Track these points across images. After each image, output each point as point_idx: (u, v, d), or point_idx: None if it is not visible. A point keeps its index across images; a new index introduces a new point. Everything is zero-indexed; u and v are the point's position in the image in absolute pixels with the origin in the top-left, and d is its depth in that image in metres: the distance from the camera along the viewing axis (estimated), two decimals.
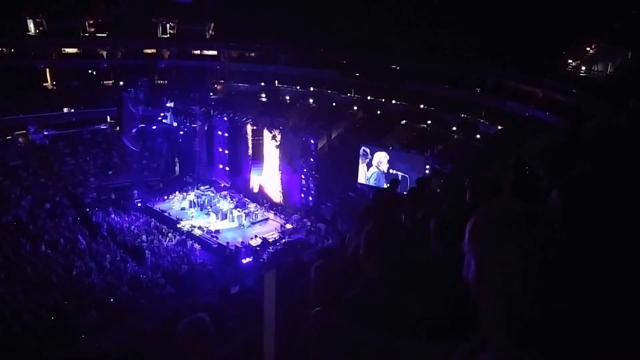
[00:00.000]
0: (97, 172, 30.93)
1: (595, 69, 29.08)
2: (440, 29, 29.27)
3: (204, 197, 28.70)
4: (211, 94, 37.74)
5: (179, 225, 25.57)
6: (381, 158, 25.95)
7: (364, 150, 26.57)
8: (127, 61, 37.46)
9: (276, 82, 37.48)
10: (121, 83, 36.03)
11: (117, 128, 32.66)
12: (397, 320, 1.91)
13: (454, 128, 29.50)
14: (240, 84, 38.08)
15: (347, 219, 23.32)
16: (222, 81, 39.04)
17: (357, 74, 34.41)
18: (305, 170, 26.05)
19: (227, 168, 28.40)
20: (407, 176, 23.40)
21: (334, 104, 34.79)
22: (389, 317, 1.94)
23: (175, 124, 33.42)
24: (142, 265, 21.17)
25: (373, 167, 26.21)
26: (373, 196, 6.27)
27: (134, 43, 37.92)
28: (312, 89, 35.86)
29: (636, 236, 1.39)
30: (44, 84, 36.24)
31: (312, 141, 25.54)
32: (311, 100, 35.84)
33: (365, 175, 26.64)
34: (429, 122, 30.69)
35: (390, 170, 25.49)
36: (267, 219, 26.71)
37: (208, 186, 30.39)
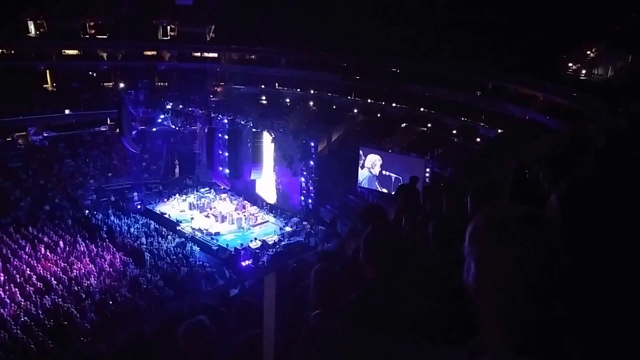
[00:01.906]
0: (97, 174, 30.93)
1: (596, 73, 29.14)
2: (441, 32, 29.36)
3: (203, 199, 28.68)
4: (211, 96, 37.79)
5: (178, 228, 25.53)
6: (374, 160, 25.82)
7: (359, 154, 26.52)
8: (127, 63, 37.54)
9: (276, 84, 37.58)
10: (121, 85, 36.11)
11: (117, 130, 32.61)
12: (396, 323, 1.91)
13: (454, 131, 29.51)
14: (240, 87, 38.18)
15: (346, 222, 23.29)
16: (223, 83, 39.14)
17: (358, 77, 34.45)
18: (305, 172, 26.04)
19: (227, 170, 28.37)
20: (400, 178, 23.38)
21: (334, 107, 34.83)
22: (388, 320, 1.93)
23: (174, 126, 33.39)
24: (141, 267, 21.14)
25: (365, 170, 26.12)
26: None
27: (134, 45, 38.05)
28: (312, 91, 35.92)
29: (635, 240, 1.40)
30: (44, 86, 36.30)
31: (312, 144, 25.54)
32: (311, 103, 35.88)
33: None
34: (429, 125, 30.70)
35: (383, 172, 25.38)
36: (266, 222, 26.68)
37: (208, 188, 30.35)
